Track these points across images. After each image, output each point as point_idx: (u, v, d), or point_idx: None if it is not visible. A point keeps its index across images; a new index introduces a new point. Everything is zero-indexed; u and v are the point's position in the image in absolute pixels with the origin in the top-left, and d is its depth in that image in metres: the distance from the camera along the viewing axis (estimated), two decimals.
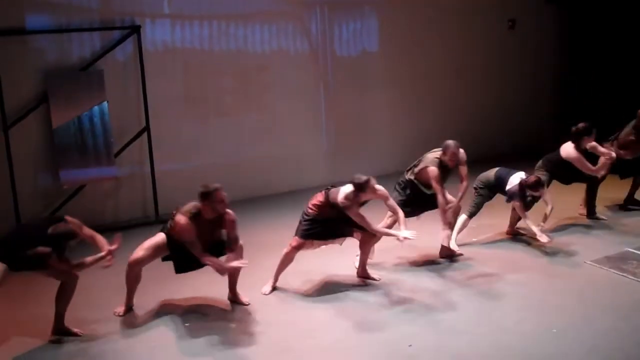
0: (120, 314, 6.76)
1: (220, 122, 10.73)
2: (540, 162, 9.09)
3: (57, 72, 9.22)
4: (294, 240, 7.24)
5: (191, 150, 10.50)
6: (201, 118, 10.58)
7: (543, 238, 8.02)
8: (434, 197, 7.81)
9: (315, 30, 11.44)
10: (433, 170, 7.77)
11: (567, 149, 8.83)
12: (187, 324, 6.57)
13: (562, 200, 9.14)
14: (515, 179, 8.22)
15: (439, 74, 12.74)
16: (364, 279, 7.53)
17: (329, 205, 7.10)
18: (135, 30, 9.64)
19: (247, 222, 9.13)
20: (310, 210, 7.18)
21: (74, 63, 9.39)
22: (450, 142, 7.93)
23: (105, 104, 9.37)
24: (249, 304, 6.94)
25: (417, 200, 7.96)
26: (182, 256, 6.64)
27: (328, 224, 7.17)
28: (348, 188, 7.05)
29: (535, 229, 8.09)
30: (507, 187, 8.21)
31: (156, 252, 6.71)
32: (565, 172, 8.99)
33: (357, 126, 12.10)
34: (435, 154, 7.97)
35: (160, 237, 6.74)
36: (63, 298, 6.22)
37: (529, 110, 13.68)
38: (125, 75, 9.77)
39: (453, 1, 12.62)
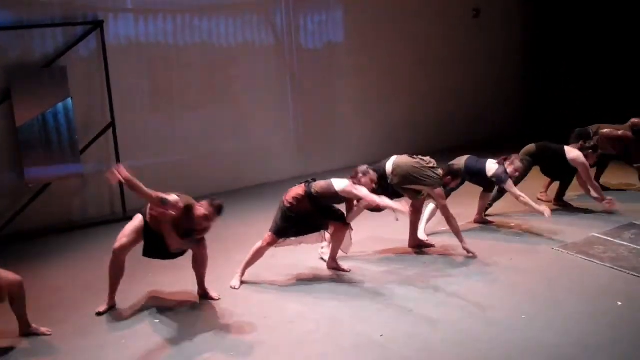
0: (101, 311, 6.67)
1: (187, 117, 10.66)
2: (533, 147, 9.31)
3: (19, 69, 9.08)
4: (269, 237, 7.23)
5: (158, 146, 10.42)
6: (168, 113, 10.51)
7: (546, 212, 8.21)
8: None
9: (280, 22, 11.41)
10: (441, 192, 7.76)
11: (577, 155, 9.11)
12: (157, 321, 6.53)
13: (526, 187, 9.24)
14: (492, 164, 8.29)
15: (405, 65, 12.79)
16: (335, 271, 7.54)
17: (308, 198, 7.09)
18: (98, 25, 9.53)
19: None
20: (288, 205, 7.12)
21: (37, 60, 9.26)
22: (458, 167, 7.98)
23: (69, 100, 9.26)
24: (218, 298, 6.90)
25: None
26: (153, 243, 6.60)
27: (305, 219, 7.15)
28: (342, 181, 7.12)
29: (534, 204, 8.26)
30: (490, 174, 8.27)
31: (139, 235, 6.63)
32: (553, 167, 9.39)
33: (325, 118, 12.11)
34: (435, 171, 7.72)
35: (138, 220, 6.67)
36: (17, 302, 6.06)
37: (496, 100, 13.79)
38: (89, 71, 9.65)
39: None
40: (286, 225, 7.15)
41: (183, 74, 10.56)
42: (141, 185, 6.30)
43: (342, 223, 7.33)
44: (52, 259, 8.34)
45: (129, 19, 10.00)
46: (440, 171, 7.73)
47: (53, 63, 9.28)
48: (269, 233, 7.23)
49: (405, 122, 12.67)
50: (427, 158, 7.85)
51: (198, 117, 10.77)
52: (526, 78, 14.33)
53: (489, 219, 8.95)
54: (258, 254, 7.25)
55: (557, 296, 6.67)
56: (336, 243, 7.47)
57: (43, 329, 6.20)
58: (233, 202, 10.14)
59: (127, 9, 9.99)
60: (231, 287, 7.14)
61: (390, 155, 7.98)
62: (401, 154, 7.98)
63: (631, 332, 5.91)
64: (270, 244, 7.24)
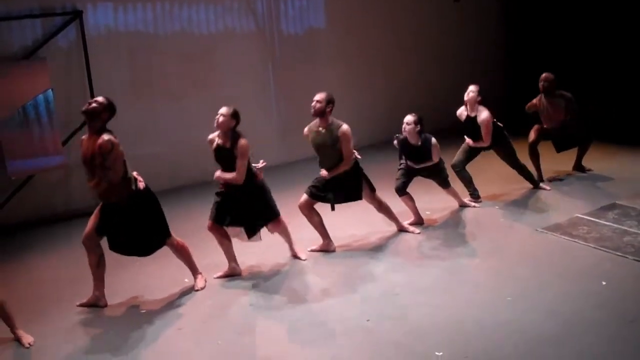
0: (83, 303, 6.65)
1: (168, 106, 10.62)
2: None
3: None
4: (208, 224, 7.16)
5: (140, 135, 10.36)
6: (149, 102, 10.46)
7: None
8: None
9: (261, 8, 11.35)
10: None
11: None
12: (143, 311, 6.53)
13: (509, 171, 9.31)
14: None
15: (387, 49, 12.76)
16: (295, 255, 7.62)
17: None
18: (77, 15, 9.47)
19: (200, 207, 9.08)
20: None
21: (16, 52, 9.19)
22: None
23: (49, 92, 9.19)
24: (203, 288, 6.92)
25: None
26: (112, 229, 6.50)
27: (237, 205, 7.01)
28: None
29: None
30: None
31: (97, 217, 6.56)
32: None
33: (307, 104, 12.01)
34: None
35: (98, 205, 6.62)
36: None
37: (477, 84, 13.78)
38: (69, 62, 9.59)
39: None
40: (216, 209, 7.08)
41: (164, 63, 10.51)
42: None
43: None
44: (37, 251, 8.31)
45: (108, 8, 9.93)
46: None
47: (32, 54, 9.21)
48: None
49: (389, 108, 12.64)
50: None
51: (180, 106, 10.72)
52: (507, 67, 14.35)
53: (473, 203, 8.95)
54: (221, 245, 7.23)
55: (541, 277, 6.70)
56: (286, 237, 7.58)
57: (25, 340, 6.00)
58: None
59: None
60: (214, 278, 7.16)
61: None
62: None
63: (616, 312, 5.94)
64: (211, 229, 7.14)
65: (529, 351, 5.41)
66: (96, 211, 6.56)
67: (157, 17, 10.34)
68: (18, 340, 5.99)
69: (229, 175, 6.89)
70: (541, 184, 9.48)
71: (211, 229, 7.11)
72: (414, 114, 8.13)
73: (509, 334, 5.67)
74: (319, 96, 7.67)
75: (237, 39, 11.18)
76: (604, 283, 6.49)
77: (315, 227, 7.75)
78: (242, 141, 6.84)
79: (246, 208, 6.99)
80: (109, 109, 6.34)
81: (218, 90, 11.03)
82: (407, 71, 12.99)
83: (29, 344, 5.97)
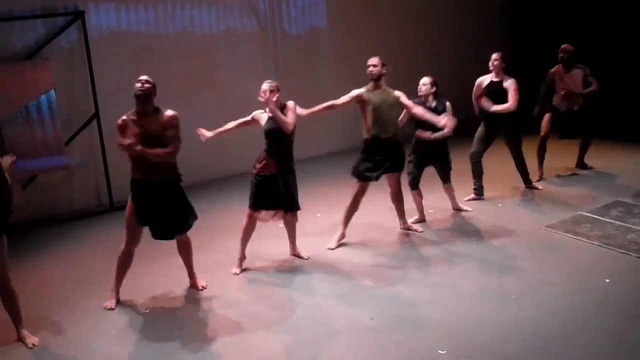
0: (112, 307, 6.61)
1: (171, 105, 10.52)
2: None
3: (1, 62, 9.01)
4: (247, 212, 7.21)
5: None
6: None
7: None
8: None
9: (263, 8, 11.34)
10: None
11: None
12: (147, 311, 6.53)
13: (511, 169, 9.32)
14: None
15: (388, 48, 12.70)
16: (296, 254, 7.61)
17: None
18: (79, 15, 9.46)
19: (207, 205, 9.10)
20: (254, 171, 7.18)
21: (18, 52, 9.18)
22: None
23: (52, 92, 9.17)
24: (204, 288, 6.89)
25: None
26: (149, 215, 6.47)
27: (274, 185, 7.07)
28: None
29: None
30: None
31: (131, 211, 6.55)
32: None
33: (310, 103, 12.01)
34: None
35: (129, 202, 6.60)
36: (8, 306, 6.03)
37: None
38: (71, 62, 9.57)
39: None
40: (255, 193, 7.12)
41: (166, 62, 10.48)
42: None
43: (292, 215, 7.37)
44: (39, 252, 8.30)
45: (110, 8, 9.91)
46: None
47: (35, 55, 9.21)
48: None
49: None
50: None
51: (182, 106, 10.58)
52: (509, 64, 14.28)
53: (464, 207, 8.87)
54: (245, 232, 7.24)
55: (545, 275, 6.70)
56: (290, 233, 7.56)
57: (29, 341, 5.98)
58: (222, 190, 10.17)
59: None
60: (233, 274, 7.17)
61: None
62: None
63: (619, 309, 5.95)
64: (249, 217, 7.19)
65: (532, 348, 5.42)
66: (129, 208, 6.53)
67: (159, 17, 10.33)
68: (22, 340, 5.99)
69: (283, 117, 7.23)
70: (534, 183, 9.46)
71: (250, 216, 7.16)
72: (429, 76, 8.40)
73: (512, 331, 5.67)
74: (374, 60, 7.97)
75: (239, 38, 11.16)
76: (607, 280, 6.49)
77: (349, 214, 7.79)
78: (291, 101, 7.44)
79: (286, 189, 7.08)
80: (155, 87, 6.84)
81: (220, 90, 11.02)
82: (408, 69, 12.93)
83: (33, 344, 5.97)
